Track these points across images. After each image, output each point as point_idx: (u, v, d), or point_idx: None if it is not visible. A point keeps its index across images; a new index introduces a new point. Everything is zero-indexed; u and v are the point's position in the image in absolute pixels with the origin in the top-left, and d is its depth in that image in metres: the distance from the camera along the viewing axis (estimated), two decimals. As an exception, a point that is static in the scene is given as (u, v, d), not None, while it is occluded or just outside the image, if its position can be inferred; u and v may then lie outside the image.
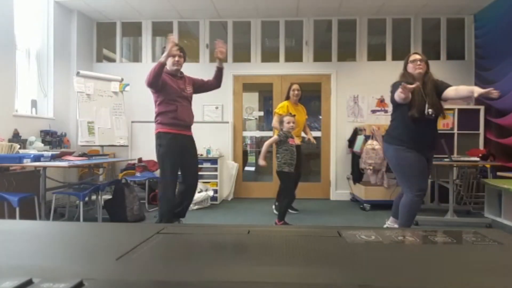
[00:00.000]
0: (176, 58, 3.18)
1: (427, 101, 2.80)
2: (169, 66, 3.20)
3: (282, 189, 3.86)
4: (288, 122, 3.62)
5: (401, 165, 2.91)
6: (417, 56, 2.91)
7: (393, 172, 3.19)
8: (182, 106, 3.23)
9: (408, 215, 2.91)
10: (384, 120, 5.33)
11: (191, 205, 4.56)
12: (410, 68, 2.91)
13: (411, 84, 2.64)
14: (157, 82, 3.03)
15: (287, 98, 4.43)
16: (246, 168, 6.10)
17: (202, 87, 3.49)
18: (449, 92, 2.80)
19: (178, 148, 3.19)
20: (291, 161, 3.58)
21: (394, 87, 2.86)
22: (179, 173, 3.30)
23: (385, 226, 3.22)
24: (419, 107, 2.79)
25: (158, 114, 3.20)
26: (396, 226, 3.05)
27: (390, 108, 3.45)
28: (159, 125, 3.19)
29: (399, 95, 2.69)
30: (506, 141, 4.56)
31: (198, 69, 5.52)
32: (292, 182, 3.80)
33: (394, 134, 2.96)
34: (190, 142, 3.35)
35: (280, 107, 4.39)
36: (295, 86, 4.40)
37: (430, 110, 2.79)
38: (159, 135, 3.18)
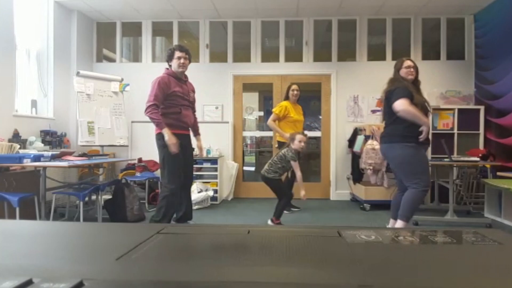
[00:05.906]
0: (182, 60, 3.17)
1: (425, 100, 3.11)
2: (174, 68, 3.19)
3: (276, 192, 3.72)
4: (300, 141, 3.55)
5: (410, 162, 2.98)
6: (411, 63, 3.13)
7: (395, 171, 3.21)
8: (186, 110, 3.26)
9: (411, 209, 3.02)
10: (384, 120, 5.32)
11: (191, 205, 4.57)
12: (403, 73, 3.11)
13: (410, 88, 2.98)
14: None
15: (286, 98, 4.49)
16: (246, 168, 6.10)
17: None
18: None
19: (180, 147, 3.17)
20: (281, 172, 3.63)
21: (398, 94, 2.95)
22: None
23: None
24: (421, 104, 3.02)
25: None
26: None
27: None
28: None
29: (407, 112, 2.89)
30: (506, 141, 4.56)
31: (198, 69, 5.54)
32: (282, 183, 3.82)
33: (400, 132, 2.99)
34: (188, 141, 3.36)
35: (279, 106, 4.44)
36: (294, 86, 4.44)
37: (429, 106, 3.16)
38: (162, 135, 3.11)
